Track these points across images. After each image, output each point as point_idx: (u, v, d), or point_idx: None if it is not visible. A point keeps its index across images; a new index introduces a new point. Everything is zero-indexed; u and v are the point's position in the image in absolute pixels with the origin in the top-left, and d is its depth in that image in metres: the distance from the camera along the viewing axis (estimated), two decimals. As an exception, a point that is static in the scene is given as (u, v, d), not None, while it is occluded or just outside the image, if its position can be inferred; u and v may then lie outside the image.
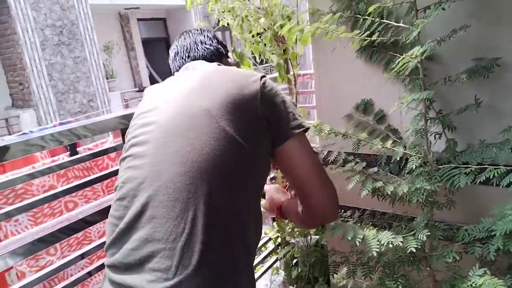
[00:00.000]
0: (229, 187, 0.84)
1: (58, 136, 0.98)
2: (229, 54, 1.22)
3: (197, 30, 1.20)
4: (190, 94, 0.92)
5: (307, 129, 0.92)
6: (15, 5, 7.63)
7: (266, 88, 0.91)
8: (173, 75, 1.13)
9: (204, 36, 1.17)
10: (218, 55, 1.15)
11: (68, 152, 1.37)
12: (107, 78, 9.50)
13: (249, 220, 0.87)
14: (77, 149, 1.35)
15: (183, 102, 0.91)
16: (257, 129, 0.88)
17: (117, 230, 0.84)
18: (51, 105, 8.26)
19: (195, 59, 1.11)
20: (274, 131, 0.90)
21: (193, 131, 0.84)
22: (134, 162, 0.88)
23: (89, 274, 1.13)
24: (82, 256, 1.11)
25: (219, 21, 1.61)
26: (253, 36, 1.44)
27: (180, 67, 1.12)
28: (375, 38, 0.93)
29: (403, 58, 0.84)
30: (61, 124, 1.14)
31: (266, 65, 1.57)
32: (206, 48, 1.13)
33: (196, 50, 1.13)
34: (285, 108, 0.92)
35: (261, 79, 0.91)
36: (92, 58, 9.01)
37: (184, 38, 1.17)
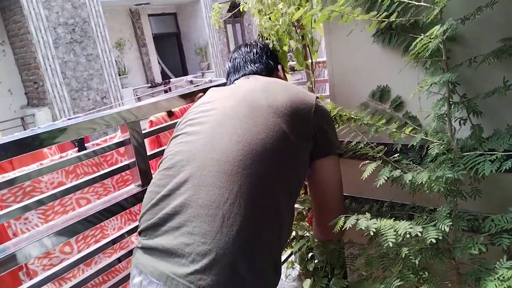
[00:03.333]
0: (274, 174, 0.89)
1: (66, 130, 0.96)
2: (279, 67, 1.26)
3: (246, 48, 1.25)
4: (253, 92, 0.99)
5: (342, 154, 1.06)
6: (28, 4, 7.71)
7: (320, 106, 1.01)
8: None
9: (253, 54, 1.23)
10: (269, 70, 1.21)
11: (76, 148, 1.35)
12: (119, 75, 9.57)
13: (285, 211, 0.91)
14: (86, 144, 1.33)
15: (244, 96, 0.98)
16: (306, 135, 0.97)
17: (158, 196, 0.88)
18: (66, 103, 8.37)
19: (246, 75, 1.18)
20: (318, 143, 0.99)
21: (252, 119, 0.91)
22: (188, 138, 0.94)
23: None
24: (95, 252, 1.10)
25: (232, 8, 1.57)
26: (275, 19, 1.40)
27: (234, 81, 1.18)
28: (394, 19, 0.88)
29: (422, 38, 0.79)
30: (69, 120, 1.12)
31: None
32: (256, 67, 1.19)
33: (246, 69, 1.20)
34: (332, 128, 1.03)
35: (316, 98, 1.02)
36: (104, 55, 9.07)
37: (234, 59, 1.24)
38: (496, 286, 0.71)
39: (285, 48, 1.47)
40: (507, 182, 0.96)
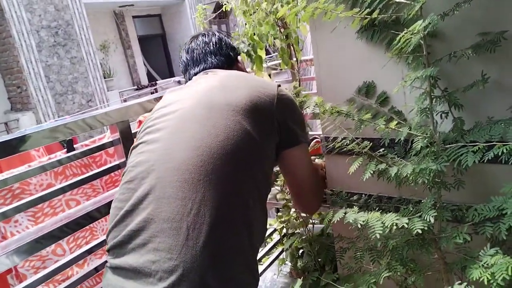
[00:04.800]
0: (238, 175, 0.86)
1: (53, 132, 0.95)
2: (239, 57, 1.23)
3: (203, 38, 1.18)
4: (211, 90, 0.96)
5: (309, 142, 1.07)
6: (9, 7, 7.58)
7: (283, 96, 0.98)
8: (187, 81, 1.14)
9: (212, 45, 1.16)
10: (229, 63, 1.16)
11: (65, 149, 1.35)
12: (104, 78, 9.47)
13: (255, 209, 0.88)
14: (74, 145, 1.32)
15: (202, 96, 0.95)
16: (269, 129, 0.94)
17: (121, 213, 0.84)
18: (50, 107, 8.24)
19: (206, 69, 1.13)
20: (282, 135, 0.97)
21: (210, 120, 0.88)
22: (147, 147, 0.90)
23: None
24: (84, 255, 1.09)
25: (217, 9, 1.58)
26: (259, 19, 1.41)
27: (194, 76, 1.12)
28: (376, 16, 0.90)
29: (405, 33, 0.81)
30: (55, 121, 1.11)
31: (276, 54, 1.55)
32: (216, 59, 1.14)
33: (206, 62, 1.13)
34: (297, 117, 1.01)
35: (278, 87, 0.99)
36: (89, 58, 8.96)
37: (192, 51, 1.16)
38: (480, 273, 0.73)
39: (261, 53, 1.48)
40: (489, 173, 0.99)
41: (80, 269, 1.30)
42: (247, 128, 0.88)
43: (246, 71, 1.22)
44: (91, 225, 1.34)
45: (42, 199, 0.96)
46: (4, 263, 0.88)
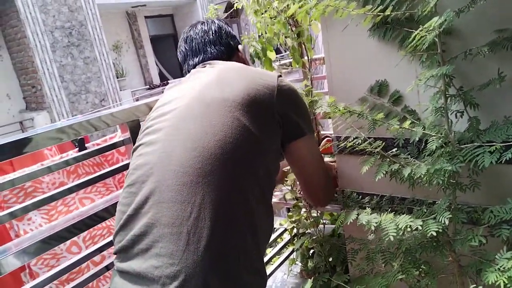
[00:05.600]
0: (238, 174, 0.83)
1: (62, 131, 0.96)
2: (239, 47, 1.19)
3: (203, 26, 1.13)
4: (207, 86, 0.92)
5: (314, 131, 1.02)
6: (24, 8, 7.70)
7: (283, 87, 0.94)
8: (187, 73, 1.11)
9: (212, 34, 1.11)
10: (229, 52, 1.12)
11: (77, 149, 1.36)
12: (117, 77, 9.56)
13: (258, 207, 0.86)
14: (86, 145, 1.34)
15: (199, 93, 0.91)
16: (269, 123, 0.91)
17: (124, 217, 0.84)
18: (64, 106, 8.36)
19: (205, 60, 1.08)
20: (286, 128, 0.94)
21: (207, 118, 0.85)
22: (146, 149, 0.88)
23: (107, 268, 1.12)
24: (100, 251, 1.10)
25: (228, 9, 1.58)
26: (270, 18, 1.40)
27: (192, 68, 1.09)
28: (389, 13, 0.88)
29: (420, 31, 0.79)
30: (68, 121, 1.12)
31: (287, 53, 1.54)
32: (216, 49, 1.09)
33: (206, 52, 1.09)
34: (299, 109, 0.98)
35: (278, 78, 0.94)
36: (102, 58, 9.06)
37: (191, 40, 1.11)
38: (497, 277, 0.71)
39: (270, 55, 1.47)
40: (506, 173, 0.96)
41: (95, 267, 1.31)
42: (245, 124, 0.85)
43: (247, 61, 1.18)
44: (108, 222, 1.35)
45: (53, 198, 0.97)
46: (15, 261, 0.89)
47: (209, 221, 0.76)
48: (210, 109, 0.86)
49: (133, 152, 0.94)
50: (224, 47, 1.11)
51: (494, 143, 0.79)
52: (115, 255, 0.85)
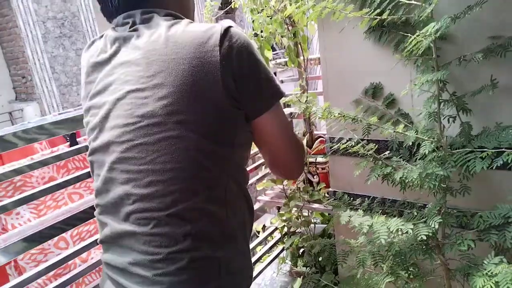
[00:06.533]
0: (193, 195, 0.73)
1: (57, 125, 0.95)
2: None
3: None
4: (134, 88, 0.74)
5: (282, 95, 0.79)
6: (16, -3, 7.58)
7: (232, 45, 0.71)
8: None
9: None
10: None
11: (68, 143, 1.34)
12: (109, 70, 9.47)
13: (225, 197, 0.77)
14: (77, 139, 1.32)
15: (124, 98, 0.75)
16: (225, 112, 0.73)
17: None
18: (55, 98, 8.25)
19: (130, 18, 0.83)
20: (244, 103, 0.75)
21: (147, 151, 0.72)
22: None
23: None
24: (87, 248, 1.09)
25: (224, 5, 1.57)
26: (268, 17, 1.40)
27: (115, 33, 0.85)
28: (386, 17, 0.89)
29: (417, 36, 0.79)
30: (60, 114, 1.10)
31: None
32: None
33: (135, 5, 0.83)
34: (257, 72, 0.75)
35: (223, 32, 0.71)
36: (94, 50, 8.96)
37: None
38: (484, 281, 0.72)
39: (267, 54, 1.47)
40: (495, 179, 0.98)
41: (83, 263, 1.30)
42: (195, 139, 0.71)
43: (192, 8, 0.93)
44: (95, 218, 1.34)
45: (42, 193, 0.96)
46: (1, 258, 0.88)
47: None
48: (140, 127, 0.73)
49: None
50: None
51: (485, 149, 0.80)
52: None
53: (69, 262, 1.19)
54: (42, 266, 0.98)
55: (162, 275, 0.71)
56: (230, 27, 0.73)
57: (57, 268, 1.06)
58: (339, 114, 0.94)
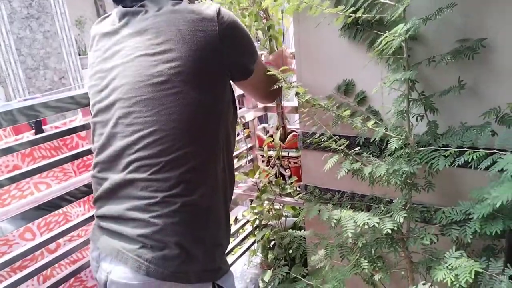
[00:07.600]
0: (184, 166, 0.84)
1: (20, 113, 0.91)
2: None
3: None
4: (144, 79, 0.84)
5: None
6: (-21, -26, 7.18)
7: (226, 24, 0.87)
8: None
9: None
10: None
11: (33, 131, 1.29)
12: (79, 55, 9.13)
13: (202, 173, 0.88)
14: (43, 127, 1.27)
15: (129, 88, 0.85)
16: (219, 80, 0.91)
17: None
18: (20, 81, 7.90)
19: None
20: (233, 73, 0.94)
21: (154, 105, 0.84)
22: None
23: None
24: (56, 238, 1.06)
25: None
26: (241, 9, 1.38)
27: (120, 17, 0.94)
28: (360, 15, 0.90)
29: (387, 36, 0.81)
30: (25, 101, 1.06)
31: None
32: None
33: None
34: (245, 47, 0.95)
35: (217, 15, 0.86)
36: (63, 33, 8.62)
37: None
38: (445, 274, 0.75)
39: None
40: (458, 177, 1.02)
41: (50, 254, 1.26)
42: (198, 101, 0.85)
43: None
44: (64, 209, 1.31)
45: (8, 182, 0.92)
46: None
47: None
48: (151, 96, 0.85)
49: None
50: None
51: (449, 148, 0.83)
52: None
53: (36, 253, 1.16)
54: (6, 257, 0.95)
55: (157, 217, 0.80)
56: (220, 7, 0.89)
57: (22, 260, 1.04)
58: (312, 98, 0.96)
